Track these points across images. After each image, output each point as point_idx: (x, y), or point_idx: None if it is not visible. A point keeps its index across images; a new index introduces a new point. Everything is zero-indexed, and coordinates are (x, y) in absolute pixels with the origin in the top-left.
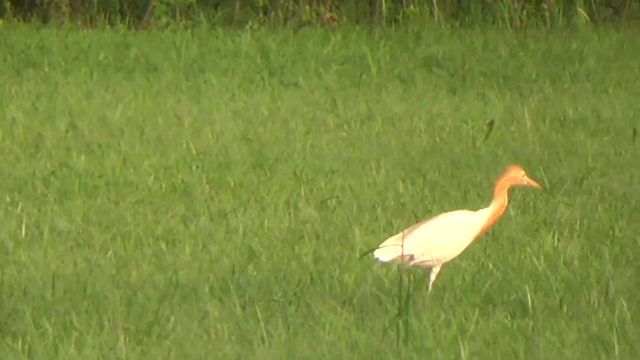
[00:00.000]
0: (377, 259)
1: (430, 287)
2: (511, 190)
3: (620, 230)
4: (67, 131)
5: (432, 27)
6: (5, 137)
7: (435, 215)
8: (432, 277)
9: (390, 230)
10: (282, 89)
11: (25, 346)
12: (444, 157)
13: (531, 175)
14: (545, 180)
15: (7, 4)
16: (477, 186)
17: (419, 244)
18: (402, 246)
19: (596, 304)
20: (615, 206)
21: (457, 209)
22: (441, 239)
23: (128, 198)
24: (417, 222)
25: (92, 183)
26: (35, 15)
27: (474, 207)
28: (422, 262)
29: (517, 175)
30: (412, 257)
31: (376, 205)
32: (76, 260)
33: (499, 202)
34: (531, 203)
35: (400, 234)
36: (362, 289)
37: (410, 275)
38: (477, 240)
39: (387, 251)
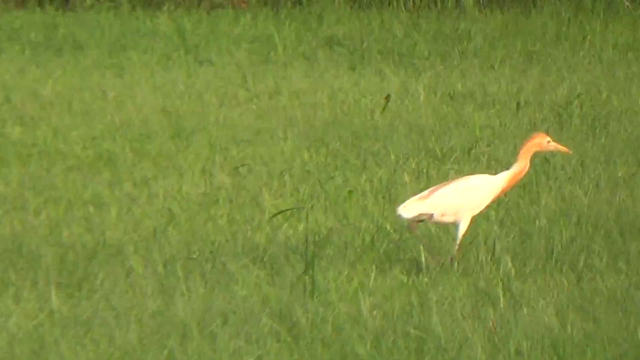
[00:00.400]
0: (400, 215)
1: (457, 244)
2: (404, 158)
3: (505, 195)
4: (2, 104)
5: (333, 8)
6: None
7: (454, 178)
8: (459, 235)
9: (296, 195)
10: (197, 66)
11: None
12: (345, 129)
13: (424, 145)
14: (437, 149)
15: None
16: (375, 155)
17: (439, 205)
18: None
19: (484, 262)
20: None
21: (357, 176)
22: (460, 200)
23: (59, 165)
24: (441, 183)
25: (26, 152)
26: None
27: (373, 174)
28: (442, 220)
29: (541, 141)
30: (431, 216)
31: (284, 172)
32: (12, 222)
33: (519, 166)
34: (424, 170)
35: (422, 193)
36: (272, 248)
37: (315, 235)
38: (376, 204)
39: (409, 208)
